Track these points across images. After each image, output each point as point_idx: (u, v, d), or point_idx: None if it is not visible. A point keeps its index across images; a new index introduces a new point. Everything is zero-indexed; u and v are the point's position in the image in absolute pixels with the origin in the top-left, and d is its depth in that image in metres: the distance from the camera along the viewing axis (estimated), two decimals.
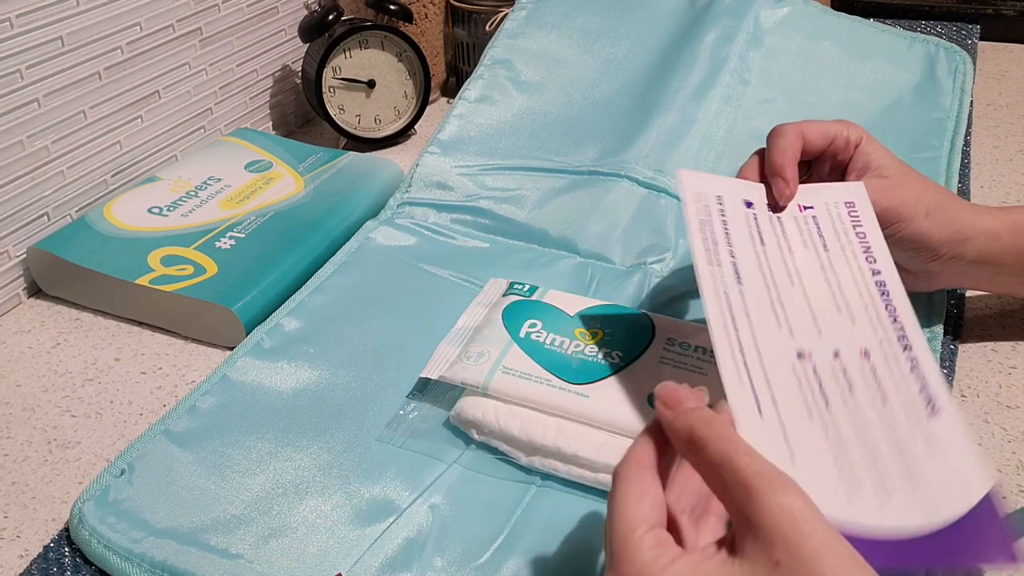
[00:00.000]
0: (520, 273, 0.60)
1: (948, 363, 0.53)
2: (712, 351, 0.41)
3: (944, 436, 0.39)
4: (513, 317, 0.53)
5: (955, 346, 0.54)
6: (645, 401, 0.46)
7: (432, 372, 0.50)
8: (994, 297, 0.59)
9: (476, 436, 0.47)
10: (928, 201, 0.50)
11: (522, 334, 0.51)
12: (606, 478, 0.44)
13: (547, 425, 0.45)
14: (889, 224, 0.49)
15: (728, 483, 0.31)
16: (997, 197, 0.71)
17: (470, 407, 0.47)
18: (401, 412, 0.50)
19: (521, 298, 0.54)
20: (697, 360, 0.49)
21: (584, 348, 0.50)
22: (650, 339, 0.50)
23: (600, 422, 0.45)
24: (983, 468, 0.38)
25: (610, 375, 0.48)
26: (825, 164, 0.52)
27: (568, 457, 0.44)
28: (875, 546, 0.35)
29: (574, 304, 0.53)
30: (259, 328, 0.56)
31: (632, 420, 0.45)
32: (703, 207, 0.47)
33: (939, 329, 0.54)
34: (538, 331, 0.51)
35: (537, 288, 0.55)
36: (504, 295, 0.55)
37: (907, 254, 0.51)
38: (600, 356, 0.49)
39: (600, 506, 0.44)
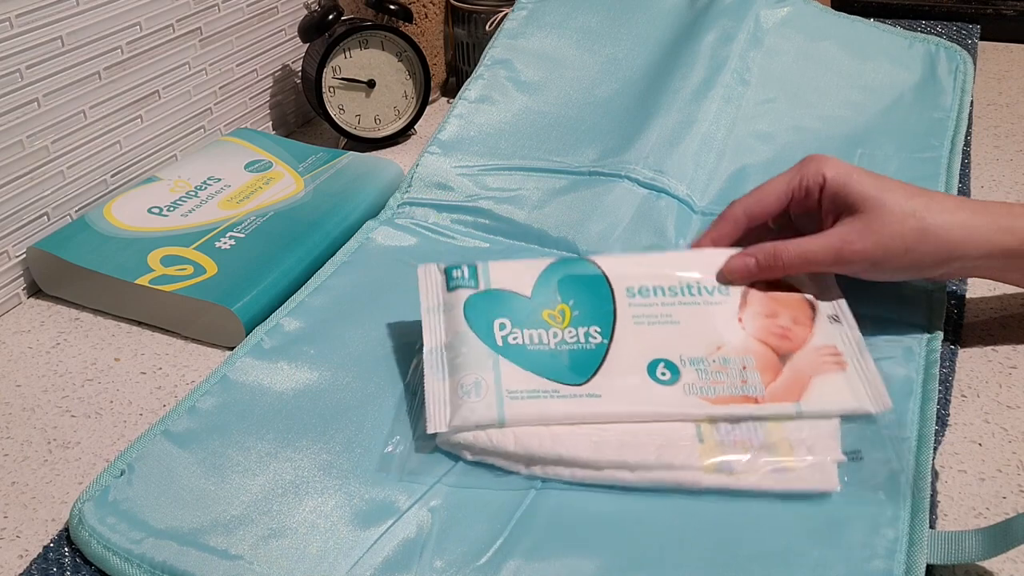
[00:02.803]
0: None
1: (948, 363, 0.53)
2: (675, 288, 0.51)
3: None
4: (478, 319, 0.50)
5: (955, 346, 0.54)
6: (647, 375, 0.47)
7: (438, 424, 0.46)
8: (994, 298, 0.59)
9: (469, 457, 0.46)
10: (907, 236, 0.49)
11: (500, 341, 0.49)
12: (610, 475, 0.44)
13: (541, 435, 0.45)
14: (869, 267, 0.51)
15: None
16: (997, 197, 0.71)
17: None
18: (389, 450, 0.47)
19: (470, 290, 0.51)
20: (663, 307, 0.50)
21: (563, 335, 0.49)
22: (612, 298, 0.50)
23: (619, 417, 0.46)
24: None
25: (603, 362, 0.48)
26: (798, 214, 0.55)
27: (568, 461, 0.44)
28: None
29: (519, 277, 0.51)
30: (259, 328, 0.56)
31: (647, 403, 0.46)
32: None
33: (939, 329, 0.54)
34: (511, 331, 0.49)
35: (475, 268, 0.52)
36: (449, 289, 0.51)
37: (899, 276, 0.52)
38: (582, 340, 0.49)
39: (603, 503, 0.44)
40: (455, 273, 0.52)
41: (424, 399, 0.47)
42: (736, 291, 0.52)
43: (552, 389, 0.46)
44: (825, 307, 0.52)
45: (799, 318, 0.51)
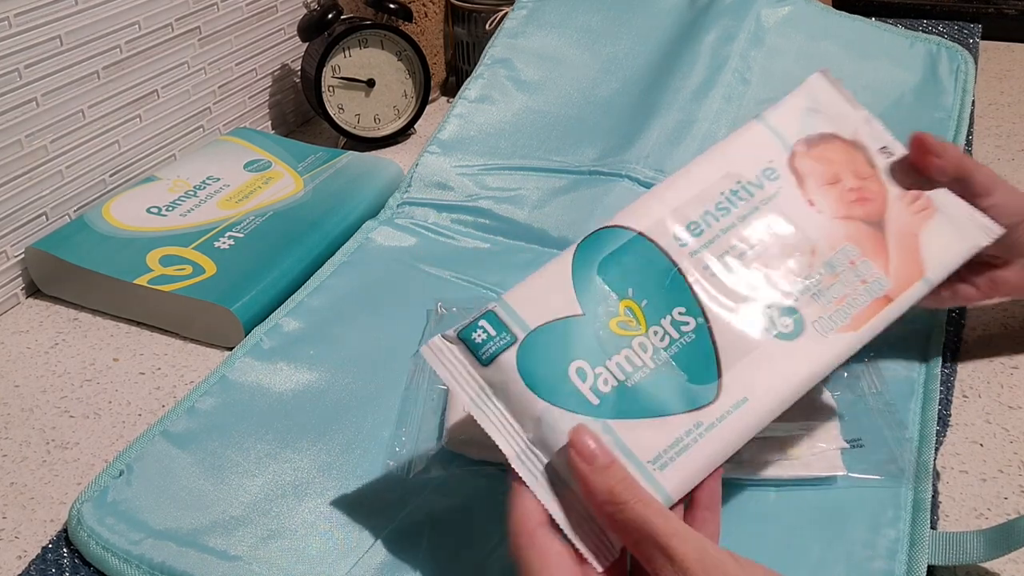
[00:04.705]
0: (520, 273, 0.60)
1: (950, 364, 0.53)
2: (722, 204, 0.40)
3: None
4: (548, 384, 0.37)
5: (957, 347, 0.54)
6: (771, 337, 0.39)
7: (603, 552, 0.35)
8: (995, 300, 0.59)
9: (475, 455, 0.46)
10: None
11: (593, 398, 0.36)
12: None
13: None
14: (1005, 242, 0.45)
15: (642, 542, 0.33)
16: None
17: (462, 427, 0.46)
18: (396, 450, 0.47)
19: (511, 348, 0.37)
20: (726, 236, 0.40)
21: (652, 342, 0.38)
22: (667, 257, 0.40)
23: (775, 412, 0.38)
24: None
25: (716, 349, 0.38)
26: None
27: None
28: None
29: (554, 295, 0.39)
30: (258, 328, 0.56)
31: (795, 375, 0.38)
32: None
33: (941, 330, 0.53)
34: (595, 375, 0.37)
35: (495, 316, 0.38)
36: (484, 363, 0.37)
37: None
38: (675, 335, 0.38)
39: None
40: (477, 337, 0.38)
41: (445, 414, 0.46)
42: (782, 168, 0.43)
43: (692, 424, 0.37)
44: (869, 140, 0.44)
45: (860, 170, 0.43)
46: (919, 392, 0.49)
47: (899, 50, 0.76)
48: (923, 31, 0.86)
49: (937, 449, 0.47)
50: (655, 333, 0.38)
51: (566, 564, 0.34)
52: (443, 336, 0.38)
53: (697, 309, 0.39)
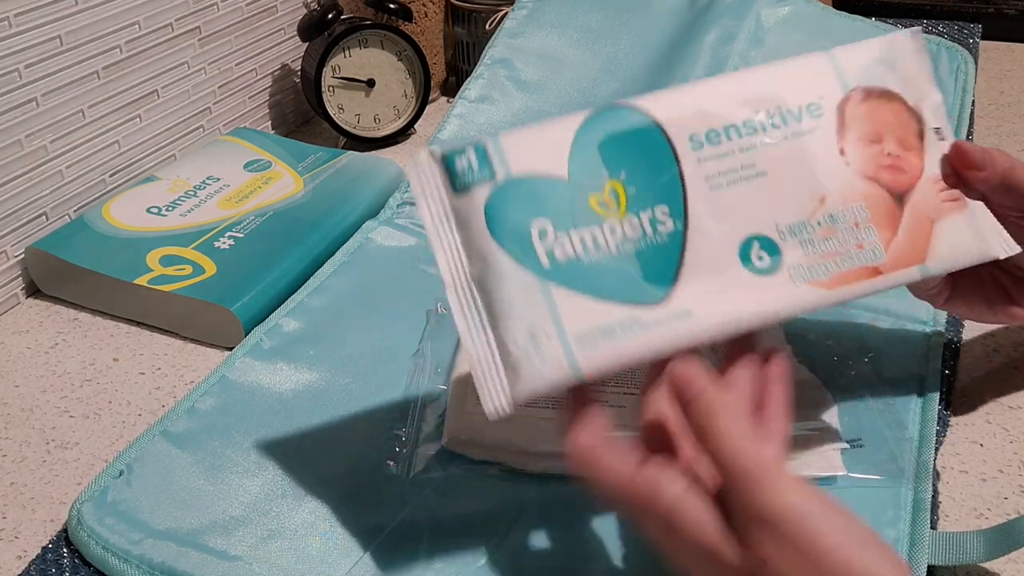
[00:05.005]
0: None
1: (950, 363, 0.53)
2: (751, 122, 0.38)
3: None
4: (508, 232, 0.36)
5: (957, 347, 0.54)
6: (740, 264, 0.37)
7: (496, 403, 0.36)
8: None
9: (476, 455, 0.45)
10: None
11: (545, 260, 0.36)
12: None
13: (548, 430, 0.45)
14: None
15: (731, 472, 0.32)
16: None
17: (463, 427, 0.46)
18: (396, 450, 0.47)
19: (486, 186, 0.37)
20: (742, 155, 0.38)
21: (622, 228, 0.37)
22: (674, 156, 0.38)
23: (715, 336, 0.37)
24: None
25: (682, 257, 0.37)
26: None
27: None
28: None
29: (547, 150, 0.38)
30: (258, 328, 0.56)
31: (748, 307, 0.37)
32: None
33: (941, 329, 0.53)
34: (555, 240, 0.36)
35: (485, 150, 0.37)
36: (456, 190, 0.37)
37: None
38: (649, 231, 0.37)
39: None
40: (459, 164, 0.37)
41: (445, 414, 0.46)
42: (829, 107, 0.40)
43: (629, 318, 0.36)
44: (930, 115, 0.41)
45: (907, 139, 0.40)
46: (919, 392, 0.49)
47: None
48: (923, 31, 0.86)
49: (937, 449, 0.47)
50: (630, 223, 0.37)
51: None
52: (430, 152, 0.38)
53: (681, 214, 0.37)
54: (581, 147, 0.38)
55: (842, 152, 0.39)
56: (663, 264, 0.37)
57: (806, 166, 0.39)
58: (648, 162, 0.38)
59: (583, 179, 0.37)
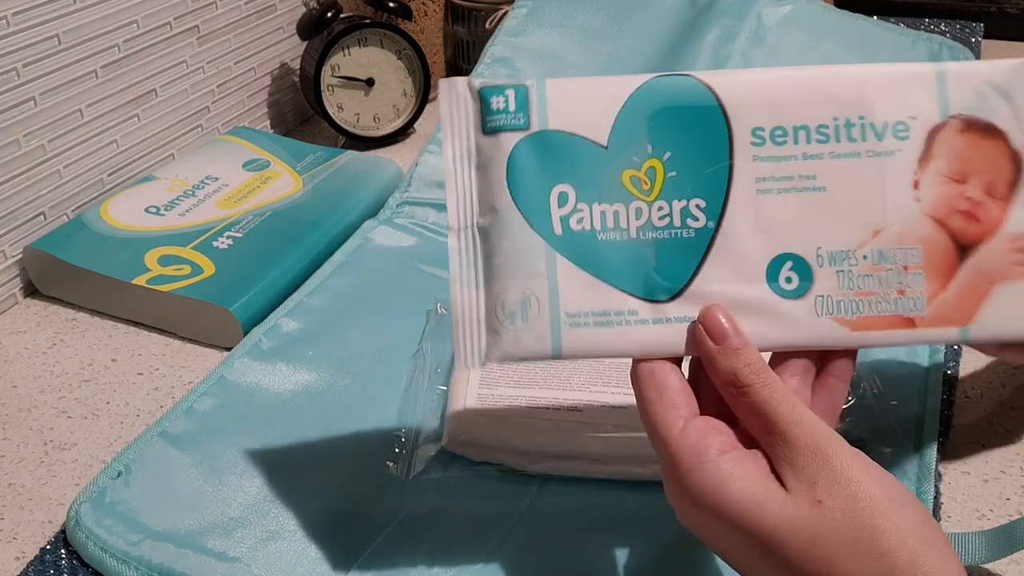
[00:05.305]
0: None
1: (952, 364, 0.52)
2: (826, 126, 0.34)
3: None
4: (527, 187, 0.34)
5: (959, 347, 0.54)
6: (765, 283, 0.35)
7: (469, 359, 0.35)
8: None
9: (476, 456, 0.45)
10: None
11: (558, 227, 0.34)
12: (618, 469, 0.44)
13: (548, 431, 0.45)
14: None
15: (770, 429, 0.32)
16: None
17: (463, 428, 0.46)
18: (395, 450, 0.47)
19: (517, 133, 0.34)
20: (804, 162, 0.34)
21: (650, 213, 0.34)
22: (729, 145, 0.35)
23: None
24: None
25: (704, 259, 0.34)
26: None
27: (579, 455, 0.44)
28: None
29: (593, 110, 0.35)
30: (257, 329, 0.56)
31: (761, 332, 0.34)
32: None
33: None
34: (575, 209, 0.34)
35: (526, 93, 0.35)
36: (486, 130, 0.35)
37: None
38: (677, 223, 0.34)
39: (606, 501, 0.43)
40: (495, 102, 0.35)
41: (445, 415, 0.45)
42: (920, 131, 0.35)
43: (628, 310, 0.34)
44: None
45: (995, 186, 0.36)
46: (920, 392, 0.49)
47: (901, 49, 0.75)
48: (925, 30, 0.85)
49: (939, 450, 0.46)
50: (659, 209, 0.34)
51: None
52: (469, 83, 0.36)
53: (717, 214, 0.34)
54: (629, 114, 0.35)
55: (916, 185, 0.35)
56: (682, 261, 0.34)
57: (871, 192, 0.35)
58: (699, 147, 0.35)
59: (622, 150, 0.35)
